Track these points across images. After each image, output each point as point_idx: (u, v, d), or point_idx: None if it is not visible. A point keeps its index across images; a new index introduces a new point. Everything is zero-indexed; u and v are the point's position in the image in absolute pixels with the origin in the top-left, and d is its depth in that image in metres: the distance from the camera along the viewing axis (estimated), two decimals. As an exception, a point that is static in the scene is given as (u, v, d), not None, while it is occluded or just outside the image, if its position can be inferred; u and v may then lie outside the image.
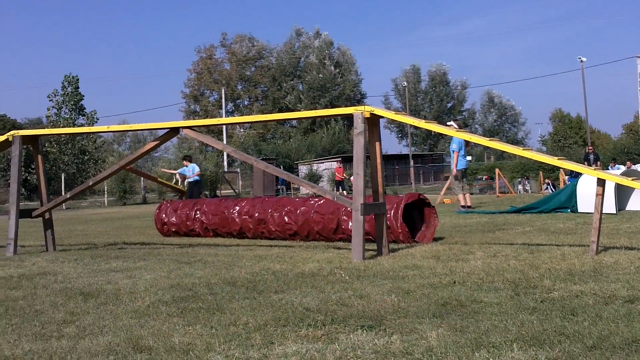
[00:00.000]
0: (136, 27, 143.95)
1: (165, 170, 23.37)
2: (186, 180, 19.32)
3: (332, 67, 78.67)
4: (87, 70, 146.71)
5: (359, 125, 8.07)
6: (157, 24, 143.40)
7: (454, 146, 16.07)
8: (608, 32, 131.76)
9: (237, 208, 11.17)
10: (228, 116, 72.79)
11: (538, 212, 14.23)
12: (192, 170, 19.18)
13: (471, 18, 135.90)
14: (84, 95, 53.98)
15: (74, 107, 53.27)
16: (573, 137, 75.37)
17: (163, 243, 10.87)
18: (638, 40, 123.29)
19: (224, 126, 60.91)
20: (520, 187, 35.23)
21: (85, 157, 52.21)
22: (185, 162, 19.62)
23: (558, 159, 8.02)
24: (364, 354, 3.64)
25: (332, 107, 65.92)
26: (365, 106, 8.28)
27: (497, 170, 29.92)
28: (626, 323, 4.03)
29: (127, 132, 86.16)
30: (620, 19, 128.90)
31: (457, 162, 16.20)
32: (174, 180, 22.38)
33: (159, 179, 18.82)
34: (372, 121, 8.27)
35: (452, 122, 15.78)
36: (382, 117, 8.42)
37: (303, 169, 55.51)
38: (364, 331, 4.12)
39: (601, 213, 7.31)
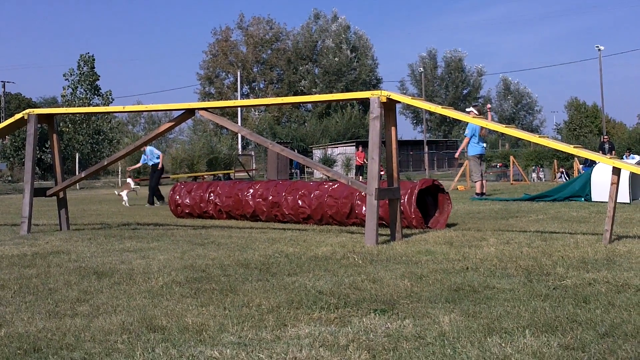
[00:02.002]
0: (153, 7, 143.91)
1: (130, 168, 23.22)
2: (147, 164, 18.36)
3: (349, 52, 78.39)
4: (103, 49, 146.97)
5: (375, 110, 8.05)
6: (174, 4, 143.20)
7: (467, 132, 16.09)
8: (627, 22, 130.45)
9: (251, 191, 11.19)
10: (243, 99, 72.85)
11: (552, 200, 14.19)
12: (151, 154, 18.01)
13: (491, 5, 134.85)
14: (99, 75, 54.04)
15: (89, 86, 53.33)
16: (588, 126, 74.91)
17: (176, 224, 10.91)
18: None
19: (239, 109, 60.93)
20: (534, 175, 35.12)
21: (100, 138, 52.37)
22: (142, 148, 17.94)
23: (574, 147, 7.98)
24: (377, 337, 3.65)
25: (347, 92, 65.85)
26: (382, 91, 8.26)
27: (511, 158, 29.85)
28: (638, 311, 4.02)
29: (141, 113, 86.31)
30: (638, 8, 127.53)
31: (465, 146, 16.26)
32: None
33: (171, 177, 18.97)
34: (389, 106, 8.25)
35: (471, 108, 15.76)
36: (399, 102, 8.40)
37: (317, 153, 55.54)
38: (377, 315, 4.13)
39: (615, 202, 7.28)
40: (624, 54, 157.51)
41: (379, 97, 8.08)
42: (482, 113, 17.09)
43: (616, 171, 7.31)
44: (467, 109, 16.08)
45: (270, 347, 3.52)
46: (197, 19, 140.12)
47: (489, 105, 21.18)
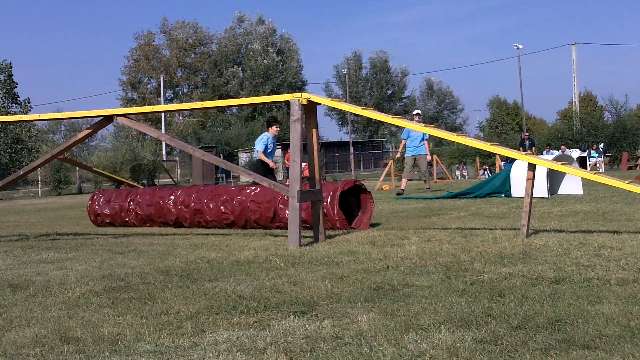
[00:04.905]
0: (73, 12, 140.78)
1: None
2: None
3: (275, 55, 78.31)
4: (21, 56, 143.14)
5: (295, 112, 8.07)
6: (94, 9, 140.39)
7: (408, 134, 17.04)
8: (545, 20, 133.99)
9: (173, 198, 11.02)
10: (167, 104, 71.96)
11: (473, 197, 14.45)
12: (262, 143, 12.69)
13: (415, 6, 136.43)
14: (17, 83, 52.58)
15: (7, 94, 51.89)
16: (510, 124, 76.63)
17: (97, 233, 10.69)
18: (574, 27, 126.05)
19: (163, 114, 60.20)
20: (458, 172, 35.81)
21: (19, 147, 50.95)
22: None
23: (491, 145, 8.16)
24: (295, 340, 3.65)
25: (274, 94, 65.73)
26: (302, 93, 8.29)
27: (434, 157, 30.28)
28: (551, 303, 4.13)
29: (61, 120, 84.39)
30: (556, 7, 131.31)
31: (404, 147, 17.18)
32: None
33: (94, 168, 18.31)
34: (309, 108, 8.28)
35: (418, 111, 17.23)
36: (319, 104, 8.43)
37: (243, 157, 55.22)
38: (296, 317, 4.13)
39: (532, 197, 7.46)
40: (543, 52, 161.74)
41: (299, 100, 8.09)
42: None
43: (531, 167, 7.50)
44: (413, 112, 17.32)
45: (187, 354, 3.49)
46: (119, 24, 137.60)
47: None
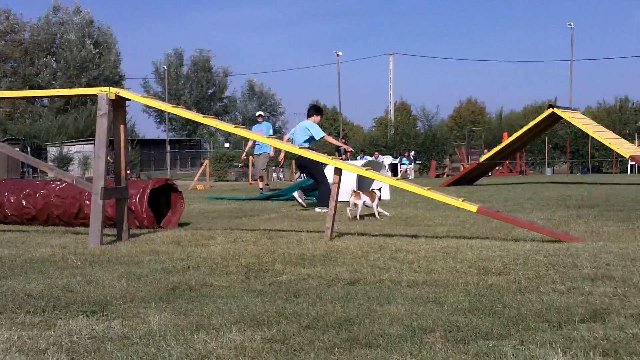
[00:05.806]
0: None
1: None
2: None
3: (92, 47, 75.61)
4: None
5: (103, 107, 7.83)
6: None
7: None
8: (365, 30, 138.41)
9: (-32, 190, 10.32)
10: (-28, 92, 67.64)
11: (286, 199, 14.66)
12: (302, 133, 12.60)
13: (241, 6, 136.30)
14: None
15: None
16: (328, 129, 78.50)
17: None
18: (391, 39, 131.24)
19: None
20: (274, 175, 36.26)
21: None
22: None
23: (299, 148, 8.32)
24: (80, 340, 3.52)
25: (90, 87, 63.37)
26: (111, 87, 8.05)
27: (250, 158, 30.44)
28: (342, 304, 4.25)
29: None
30: (376, 17, 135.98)
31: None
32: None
33: None
34: (118, 103, 8.06)
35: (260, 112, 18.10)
36: (128, 99, 8.23)
37: (53, 151, 52.86)
38: (85, 317, 3.99)
39: (337, 201, 7.66)
40: (362, 60, 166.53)
41: (107, 94, 7.86)
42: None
43: (338, 171, 7.70)
44: (257, 113, 19.33)
45: (-40, 357, 3.28)
46: None
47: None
